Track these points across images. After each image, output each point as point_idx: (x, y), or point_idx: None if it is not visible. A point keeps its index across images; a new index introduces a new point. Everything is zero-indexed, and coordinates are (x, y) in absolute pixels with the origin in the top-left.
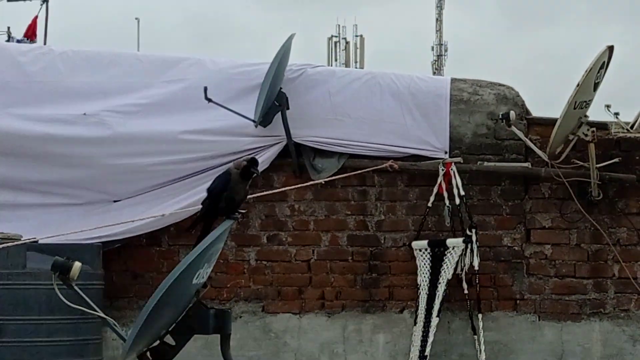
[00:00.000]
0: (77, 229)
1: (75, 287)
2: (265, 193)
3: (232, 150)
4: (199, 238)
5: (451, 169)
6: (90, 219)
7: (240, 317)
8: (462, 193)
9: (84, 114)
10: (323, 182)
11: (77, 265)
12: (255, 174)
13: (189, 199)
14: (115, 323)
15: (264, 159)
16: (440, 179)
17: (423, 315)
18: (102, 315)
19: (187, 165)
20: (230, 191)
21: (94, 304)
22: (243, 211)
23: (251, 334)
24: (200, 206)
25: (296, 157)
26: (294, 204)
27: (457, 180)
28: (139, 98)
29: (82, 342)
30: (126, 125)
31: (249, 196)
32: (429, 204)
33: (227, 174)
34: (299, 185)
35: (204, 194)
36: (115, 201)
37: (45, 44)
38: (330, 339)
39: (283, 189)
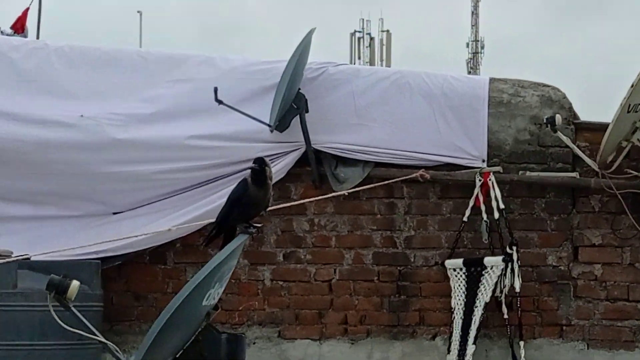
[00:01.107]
0: (73, 244)
1: (73, 309)
2: (281, 205)
3: (244, 158)
4: (222, 247)
5: (489, 180)
6: (88, 232)
7: (254, 343)
8: (502, 206)
9: (81, 115)
10: (346, 194)
11: (75, 284)
12: (258, 173)
13: (197, 211)
14: (117, 349)
15: (280, 168)
16: (477, 190)
17: (458, 343)
18: (103, 339)
19: (194, 173)
20: (248, 200)
21: (92, 327)
22: (258, 225)
23: None
24: (209, 221)
25: (316, 166)
26: (313, 217)
27: (496, 192)
28: (141, 100)
29: None
30: (127, 130)
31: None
32: (465, 218)
33: (246, 182)
34: (320, 197)
35: (214, 205)
36: (115, 213)
37: (37, 38)
38: None
39: (301, 201)
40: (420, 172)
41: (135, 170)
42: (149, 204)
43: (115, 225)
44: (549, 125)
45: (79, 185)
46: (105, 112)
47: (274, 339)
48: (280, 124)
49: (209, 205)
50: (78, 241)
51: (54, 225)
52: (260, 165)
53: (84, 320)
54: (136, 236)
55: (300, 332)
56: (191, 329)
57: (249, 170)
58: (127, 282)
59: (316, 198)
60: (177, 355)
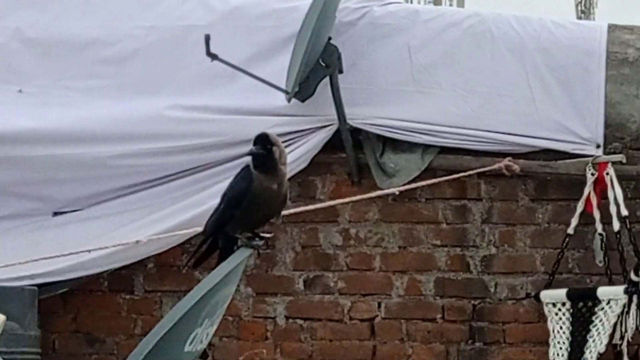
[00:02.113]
0: None
1: None
2: (302, 209)
3: (248, 137)
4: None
5: (607, 174)
6: (17, 244)
7: None
8: (625, 213)
9: (19, 90)
10: (397, 193)
11: (0, 319)
12: (262, 157)
13: (177, 217)
14: None
15: (301, 154)
16: (588, 189)
17: None
18: None
19: (174, 158)
20: (254, 197)
21: None
22: (268, 236)
23: None
24: (197, 229)
25: (354, 152)
26: (348, 227)
27: (616, 192)
28: (101, 53)
29: None
30: (77, 98)
31: None
32: (570, 231)
33: (248, 170)
34: (358, 197)
35: (203, 208)
36: (56, 213)
37: None
38: None
39: (332, 202)
40: (506, 161)
41: (83, 153)
42: (105, 201)
43: (56, 233)
44: None
45: (4, 175)
46: (52, 80)
47: None
48: (302, 89)
49: (195, 207)
50: (2, 257)
51: None
52: (263, 146)
53: None
54: (88, 251)
55: None
56: None
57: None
58: (76, 318)
59: (353, 198)
60: None
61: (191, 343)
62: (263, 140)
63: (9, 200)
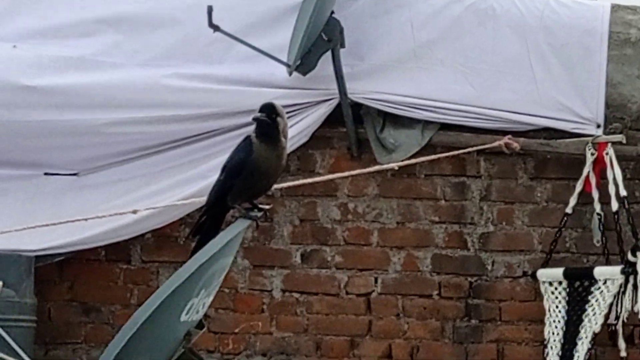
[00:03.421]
0: None
1: None
2: (300, 182)
3: (245, 108)
4: (197, 247)
5: (606, 153)
6: (9, 212)
7: None
8: (624, 193)
9: (14, 46)
10: (397, 168)
11: None
12: (267, 125)
13: (177, 191)
14: None
15: (302, 128)
16: (587, 169)
17: None
18: None
19: (171, 127)
20: (253, 168)
21: (21, 350)
22: (266, 206)
23: None
24: (194, 200)
25: (354, 126)
26: (347, 202)
27: (615, 172)
28: (95, 20)
29: None
30: (68, 62)
31: (276, 186)
32: (568, 210)
33: (249, 140)
34: (356, 172)
35: (205, 184)
36: (47, 174)
37: None
38: None
39: (331, 176)
40: (506, 139)
41: (77, 119)
42: (100, 168)
43: (52, 204)
44: None
45: None
46: (46, 39)
47: None
48: (304, 63)
49: (196, 182)
50: None
51: None
52: (268, 115)
53: (7, 338)
54: (85, 219)
55: None
56: (163, 356)
57: (253, 127)
58: (73, 287)
59: (352, 173)
60: None
61: (187, 313)
62: (269, 109)
63: (2, 167)
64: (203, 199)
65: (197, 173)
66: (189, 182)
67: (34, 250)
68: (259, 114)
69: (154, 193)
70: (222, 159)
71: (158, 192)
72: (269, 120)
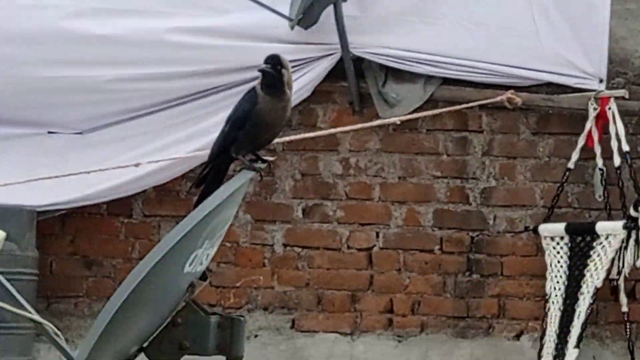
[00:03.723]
0: None
1: None
2: (302, 136)
3: (248, 64)
4: (199, 200)
5: (609, 109)
6: (13, 168)
7: (256, 336)
8: (626, 148)
9: None
10: (398, 123)
11: (0, 236)
12: (272, 77)
13: (180, 146)
14: (58, 331)
15: (304, 83)
16: (590, 124)
17: (554, 345)
18: (38, 318)
19: (175, 83)
20: (258, 119)
21: (24, 300)
22: (270, 159)
23: None
24: (197, 153)
25: (356, 81)
26: (349, 156)
27: (617, 127)
28: None
29: None
30: (71, 16)
31: (274, 140)
32: (570, 165)
33: (254, 92)
34: (358, 126)
35: (206, 140)
36: (50, 132)
37: None
38: None
39: (332, 130)
40: (508, 94)
41: (81, 76)
42: (104, 126)
43: (56, 160)
44: None
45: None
46: None
47: (285, 331)
48: (305, 16)
49: (199, 137)
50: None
51: None
52: (274, 66)
53: (11, 289)
54: (87, 172)
55: (324, 323)
56: (166, 308)
57: (257, 80)
58: (74, 240)
59: (354, 127)
60: (145, 345)
61: (191, 264)
62: (274, 60)
63: (4, 122)
64: (206, 153)
65: (201, 129)
66: (193, 138)
67: (37, 206)
68: (264, 65)
69: (157, 149)
70: (225, 113)
71: (161, 149)
72: (274, 72)
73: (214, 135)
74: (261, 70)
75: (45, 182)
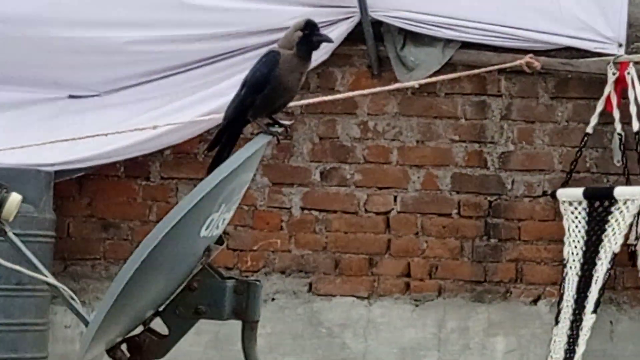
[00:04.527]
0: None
1: (12, 235)
2: (320, 99)
3: (267, 27)
4: (214, 163)
5: (628, 73)
6: (33, 130)
7: (273, 299)
8: None
9: None
10: (417, 86)
11: (15, 198)
12: (309, 42)
13: (197, 107)
14: (74, 295)
15: (322, 46)
16: (609, 88)
17: (571, 310)
18: (53, 281)
19: (194, 46)
20: (276, 83)
21: (39, 263)
22: (288, 122)
23: (289, 329)
24: (213, 116)
25: (374, 44)
26: (367, 120)
27: (636, 92)
28: None
29: (16, 329)
30: None
31: (293, 103)
32: (589, 129)
33: (276, 55)
34: (377, 89)
35: (222, 100)
36: (71, 96)
37: None
38: (417, 342)
39: (351, 93)
40: (527, 58)
41: (101, 37)
42: (122, 88)
43: (74, 120)
44: None
45: (20, 54)
46: None
47: (302, 295)
48: None
49: (216, 98)
50: (15, 139)
51: None
52: (311, 31)
53: (27, 252)
54: (105, 134)
55: (342, 287)
56: (182, 272)
57: (276, 43)
58: (91, 203)
59: (372, 90)
60: (161, 309)
61: (207, 228)
62: (311, 25)
63: (26, 83)
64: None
65: (217, 91)
66: (209, 99)
67: (54, 164)
68: (302, 26)
69: (174, 110)
70: (243, 75)
71: (179, 109)
72: (311, 35)
73: (230, 96)
74: (310, 34)
75: (63, 143)
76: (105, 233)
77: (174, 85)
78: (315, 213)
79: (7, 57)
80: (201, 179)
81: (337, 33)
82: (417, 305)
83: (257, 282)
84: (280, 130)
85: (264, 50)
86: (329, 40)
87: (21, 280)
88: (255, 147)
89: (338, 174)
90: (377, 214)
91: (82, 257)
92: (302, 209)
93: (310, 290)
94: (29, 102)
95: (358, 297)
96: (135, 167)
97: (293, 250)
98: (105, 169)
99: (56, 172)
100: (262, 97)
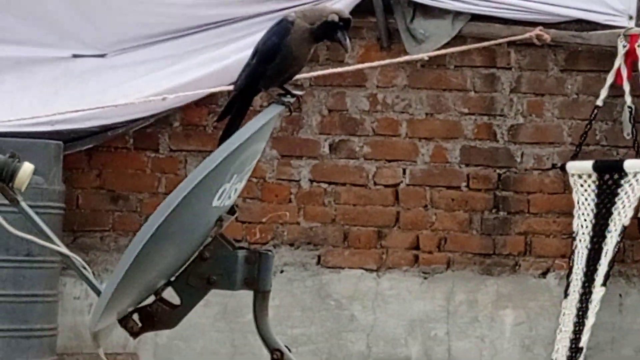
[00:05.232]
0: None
1: (24, 204)
2: (329, 72)
3: None
4: (225, 134)
5: (638, 46)
6: (37, 90)
7: (282, 271)
8: None
9: None
10: (426, 59)
11: (28, 168)
12: (336, 37)
13: (200, 70)
14: (85, 265)
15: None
16: (619, 61)
17: (580, 283)
18: (65, 251)
19: (200, 10)
20: (287, 53)
21: (52, 233)
22: (300, 93)
23: (298, 301)
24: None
25: (384, 16)
26: (376, 92)
27: None
28: None
29: (26, 300)
30: None
31: (302, 75)
32: (599, 102)
33: (288, 24)
34: (386, 62)
35: (227, 62)
36: (75, 55)
37: None
38: (425, 314)
39: (360, 66)
40: (537, 30)
41: None
42: (127, 50)
43: (78, 81)
44: None
45: (24, 11)
46: None
47: (310, 267)
48: None
49: (218, 61)
50: (17, 101)
51: None
52: (343, 27)
53: (40, 222)
54: (114, 105)
55: (350, 260)
56: (194, 242)
57: (289, 11)
58: (101, 175)
59: (382, 62)
60: (173, 279)
61: (219, 198)
62: (347, 25)
63: (28, 42)
64: (230, 87)
65: (220, 54)
66: (210, 62)
67: (55, 122)
68: (341, 24)
69: (176, 72)
70: (246, 41)
71: (181, 71)
72: (337, 38)
73: (233, 59)
74: (338, 26)
75: (68, 103)
76: (114, 205)
77: (178, 48)
78: (324, 185)
79: (9, 15)
80: (210, 151)
81: (345, 4)
82: (425, 278)
83: (269, 252)
84: (292, 100)
85: (266, 18)
86: (345, 48)
87: (31, 252)
88: (267, 116)
89: (347, 147)
90: (386, 186)
91: (91, 229)
92: (311, 181)
93: (318, 262)
94: (34, 62)
95: (367, 270)
96: (144, 139)
97: (302, 222)
98: (114, 141)
99: (65, 144)
100: (273, 66)
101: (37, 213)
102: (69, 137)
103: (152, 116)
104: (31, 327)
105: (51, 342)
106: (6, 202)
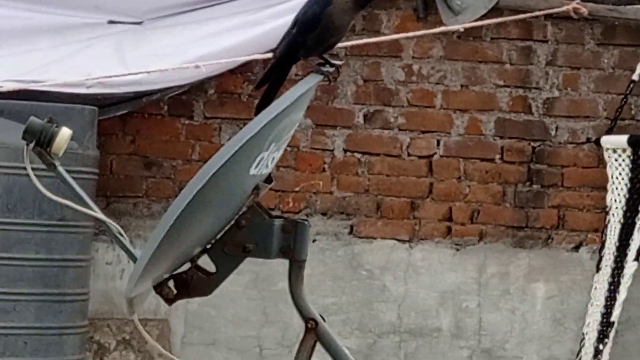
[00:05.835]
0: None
1: (61, 169)
2: (364, 41)
3: None
4: (262, 102)
5: None
6: (71, 54)
7: (314, 240)
8: None
9: None
10: (462, 30)
11: (66, 132)
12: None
13: (236, 35)
14: (121, 230)
15: None
16: None
17: (612, 258)
18: (102, 217)
19: None
20: (328, 23)
21: (89, 199)
22: (339, 62)
23: (330, 270)
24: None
25: None
26: (411, 63)
27: None
28: None
29: (58, 264)
30: None
31: (337, 45)
32: (635, 77)
33: None
34: (422, 32)
35: (264, 29)
36: (111, 22)
37: None
38: (457, 286)
39: (396, 36)
40: (574, 4)
41: None
42: (162, 17)
43: (113, 43)
44: None
45: None
46: None
47: (343, 237)
48: None
49: (254, 27)
50: (52, 63)
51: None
52: None
53: (76, 187)
54: (147, 72)
55: (383, 230)
56: (230, 210)
57: None
58: (135, 141)
59: (417, 33)
60: (209, 247)
61: (257, 166)
62: None
63: (65, 5)
64: (266, 56)
65: (256, 19)
66: (246, 27)
67: (90, 86)
68: None
69: (211, 35)
70: (283, 7)
71: (215, 35)
72: None
73: (269, 26)
74: None
75: (102, 68)
76: (147, 171)
77: (213, 13)
78: (358, 155)
79: None
80: (245, 119)
81: None
82: (457, 250)
83: (305, 222)
84: (331, 70)
85: None
86: None
87: (64, 216)
88: (307, 86)
89: (381, 117)
90: (420, 157)
91: (124, 195)
92: (345, 151)
93: (351, 232)
94: (68, 27)
95: (399, 240)
96: (179, 105)
97: (335, 192)
98: (148, 108)
99: (100, 109)
100: (314, 36)
101: (71, 176)
102: (104, 103)
103: (187, 84)
104: (63, 292)
105: (83, 307)
106: (41, 166)
